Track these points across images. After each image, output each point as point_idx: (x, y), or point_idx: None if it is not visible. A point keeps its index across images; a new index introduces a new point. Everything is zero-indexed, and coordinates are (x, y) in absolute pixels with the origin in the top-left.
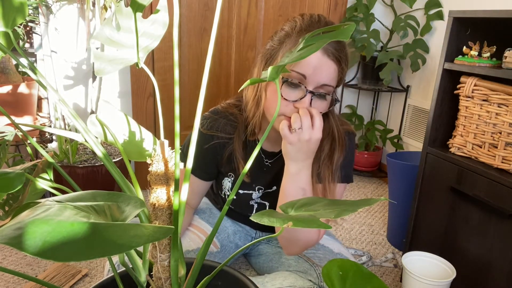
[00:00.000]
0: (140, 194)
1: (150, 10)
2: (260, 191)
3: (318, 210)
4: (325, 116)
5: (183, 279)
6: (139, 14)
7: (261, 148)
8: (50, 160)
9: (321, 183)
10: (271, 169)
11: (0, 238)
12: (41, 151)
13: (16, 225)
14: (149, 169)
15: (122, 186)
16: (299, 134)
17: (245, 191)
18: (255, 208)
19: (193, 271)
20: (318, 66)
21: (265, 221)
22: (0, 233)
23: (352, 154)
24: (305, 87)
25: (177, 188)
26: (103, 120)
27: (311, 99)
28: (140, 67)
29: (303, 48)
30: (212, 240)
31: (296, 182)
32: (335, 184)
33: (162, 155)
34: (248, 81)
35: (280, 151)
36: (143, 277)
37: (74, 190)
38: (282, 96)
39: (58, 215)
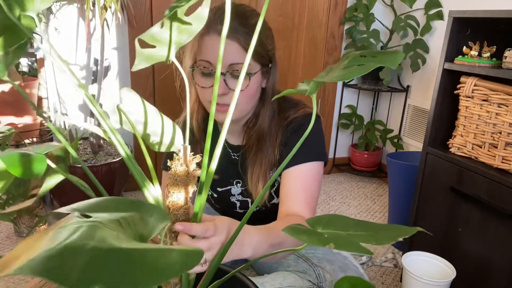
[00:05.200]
0: (159, 193)
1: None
2: (238, 184)
3: (349, 230)
4: (261, 107)
5: (193, 283)
6: (181, 12)
7: (226, 142)
8: (75, 156)
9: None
10: (241, 162)
11: (31, 270)
12: (69, 148)
13: (47, 254)
14: (169, 172)
15: (142, 187)
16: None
17: (224, 188)
18: (237, 206)
19: (205, 279)
20: (218, 48)
21: (304, 238)
22: (32, 264)
23: (315, 133)
24: (214, 71)
25: (200, 191)
26: (124, 108)
27: (225, 80)
28: (170, 62)
29: (349, 67)
30: (227, 250)
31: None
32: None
33: (183, 160)
34: (285, 91)
35: (244, 145)
36: None
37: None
38: (199, 85)
39: (90, 238)
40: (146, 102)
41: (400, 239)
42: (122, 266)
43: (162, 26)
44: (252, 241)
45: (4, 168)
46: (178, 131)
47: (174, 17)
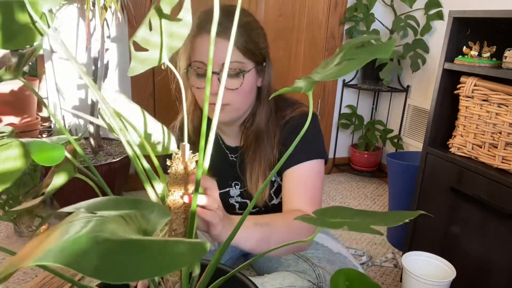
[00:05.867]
0: (164, 191)
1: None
2: (237, 186)
3: (355, 219)
4: (257, 106)
5: (195, 282)
6: (166, 15)
7: (224, 143)
8: (81, 152)
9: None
10: (239, 163)
11: (53, 259)
12: (76, 146)
13: (65, 243)
14: (168, 171)
15: (147, 188)
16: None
17: (222, 190)
18: (237, 208)
19: (204, 277)
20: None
21: (316, 223)
22: (51, 253)
23: (313, 132)
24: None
25: (197, 190)
26: (118, 111)
27: (219, 80)
28: (165, 66)
29: (342, 63)
30: (226, 248)
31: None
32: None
33: (182, 158)
34: (281, 90)
35: (242, 146)
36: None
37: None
38: (195, 86)
39: (102, 230)
40: (144, 110)
41: (406, 220)
42: (135, 256)
43: (150, 28)
44: (237, 217)
45: (6, 169)
46: (172, 136)
47: (160, 15)
